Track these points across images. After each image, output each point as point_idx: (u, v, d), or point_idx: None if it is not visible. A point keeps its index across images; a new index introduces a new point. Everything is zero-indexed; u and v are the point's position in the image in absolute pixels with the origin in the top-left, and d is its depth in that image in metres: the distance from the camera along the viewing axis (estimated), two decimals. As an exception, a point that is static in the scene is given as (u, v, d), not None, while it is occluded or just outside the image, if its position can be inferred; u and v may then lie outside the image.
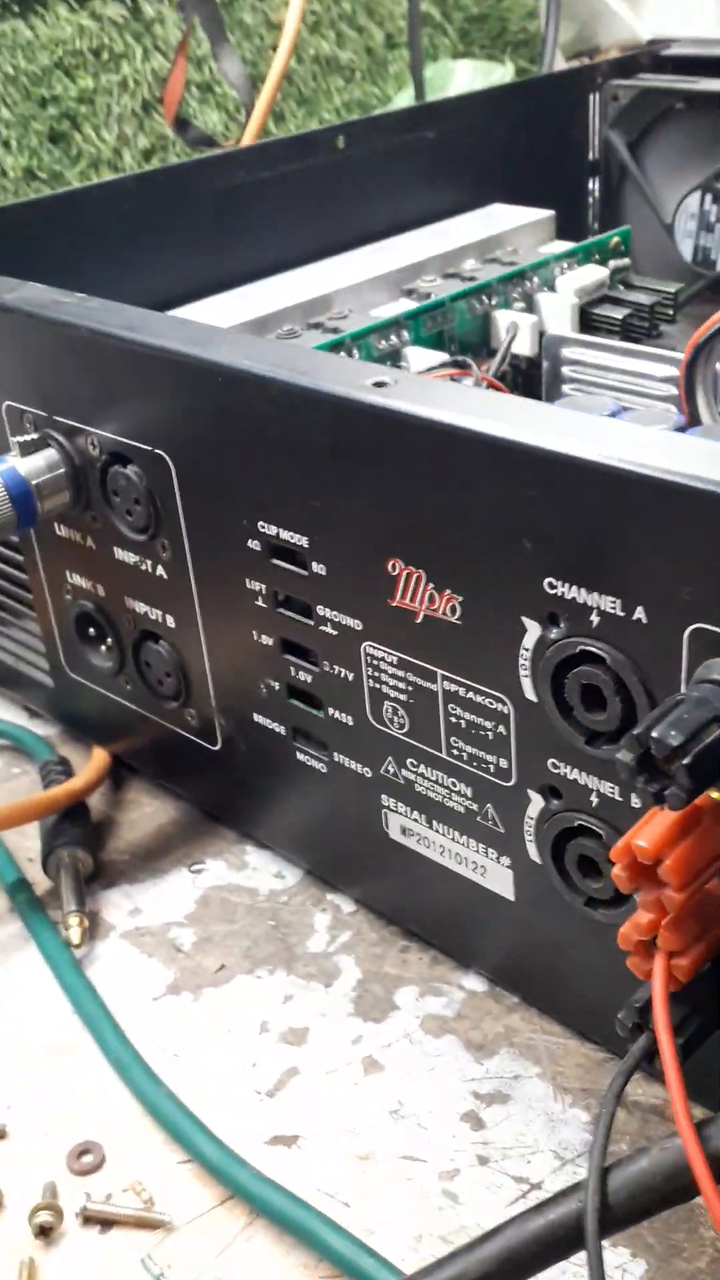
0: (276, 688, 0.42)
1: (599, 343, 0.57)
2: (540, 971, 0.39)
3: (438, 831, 0.39)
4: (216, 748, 0.46)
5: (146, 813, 0.51)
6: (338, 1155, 0.37)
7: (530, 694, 0.34)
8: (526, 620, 0.33)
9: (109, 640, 0.48)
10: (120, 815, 0.51)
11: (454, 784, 0.38)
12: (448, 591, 0.35)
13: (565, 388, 0.57)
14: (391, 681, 0.38)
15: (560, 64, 0.93)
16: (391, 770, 0.40)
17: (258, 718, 0.44)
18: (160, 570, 0.44)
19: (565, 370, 0.57)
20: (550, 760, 0.34)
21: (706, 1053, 0.29)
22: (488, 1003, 0.41)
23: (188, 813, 0.51)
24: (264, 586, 0.40)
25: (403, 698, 0.38)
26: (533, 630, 0.33)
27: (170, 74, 0.83)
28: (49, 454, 0.44)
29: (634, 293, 0.62)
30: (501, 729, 0.35)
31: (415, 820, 0.40)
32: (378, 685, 0.38)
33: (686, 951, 0.28)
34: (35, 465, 0.44)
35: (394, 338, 0.56)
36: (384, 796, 0.40)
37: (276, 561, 0.39)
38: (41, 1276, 0.34)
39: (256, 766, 0.45)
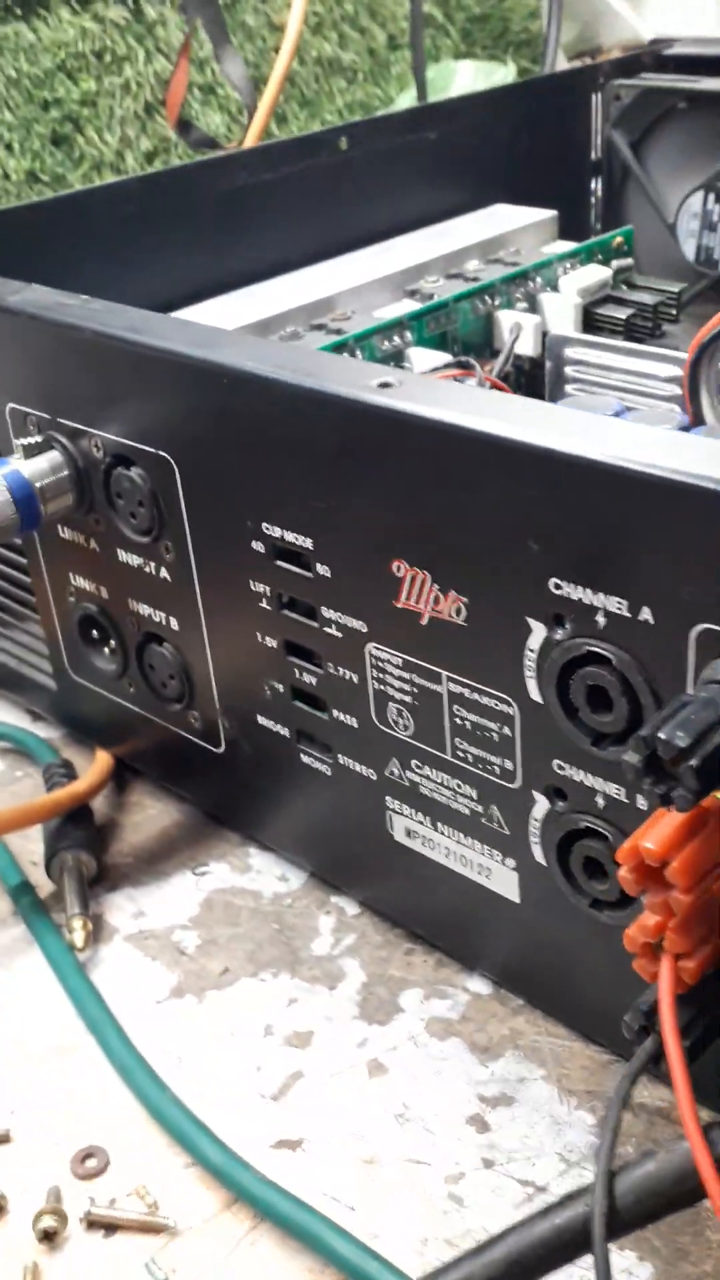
0: (280, 690, 0.42)
1: (602, 343, 0.57)
2: (545, 974, 0.39)
3: (442, 833, 0.39)
4: (220, 750, 0.46)
5: (150, 815, 0.51)
6: (343, 1159, 0.37)
7: (535, 695, 0.34)
8: (532, 621, 0.33)
9: (112, 643, 0.48)
10: (123, 818, 0.51)
11: (459, 786, 0.38)
12: (453, 593, 0.34)
13: (568, 388, 0.57)
14: (396, 683, 0.38)
15: (562, 64, 0.93)
16: (396, 772, 0.39)
17: (261, 720, 0.44)
18: (164, 572, 0.44)
19: (568, 370, 0.57)
20: (555, 762, 0.34)
21: (713, 1055, 0.29)
22: (493, 1005, 0.41)
23: (191, 815, 0.51)
24: (268, 588, 0.40)
25: (407, 699, 0.38)
26: (538, 631, 0.33)
27: (173, 76, 0.83)
28: (52, 456, 0.44)
29: (637, 293, 0.62)
30: (507, 730, 0.35)
31: (420, 822, 0.40)
32: (382, 687, 0.38)
33: (693, 954, 0.28)
34: (39, 467, 0.43)
35: (397, 339, 0.56)
36: (388, 798, 0.40)
37: (280, 563, 0.39)
38: (46, 1281, 0.34)
39: (260, 769, 0.45)
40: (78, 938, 0.43)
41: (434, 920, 0.42)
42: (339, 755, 0.41)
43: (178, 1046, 0.41)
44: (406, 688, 0.37)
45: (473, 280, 0.60)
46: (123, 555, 0.45)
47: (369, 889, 0.44)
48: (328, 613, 0.39)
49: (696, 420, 0.51)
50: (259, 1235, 0.35)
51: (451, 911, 0.41)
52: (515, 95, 0.74)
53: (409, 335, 0.56)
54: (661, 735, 0.26)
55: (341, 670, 0.39)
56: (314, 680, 0.41)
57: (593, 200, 0.77)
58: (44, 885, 0.47)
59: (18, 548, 0.51)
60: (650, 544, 0.29)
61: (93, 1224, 0.35)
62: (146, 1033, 0.41)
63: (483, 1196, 0.35)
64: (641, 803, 0.32)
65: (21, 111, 0.91)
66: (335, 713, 0.40)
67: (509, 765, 0.36)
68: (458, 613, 0.35)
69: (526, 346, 0.59)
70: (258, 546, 0.40)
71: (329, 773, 0.42)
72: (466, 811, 0.38)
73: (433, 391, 0.34)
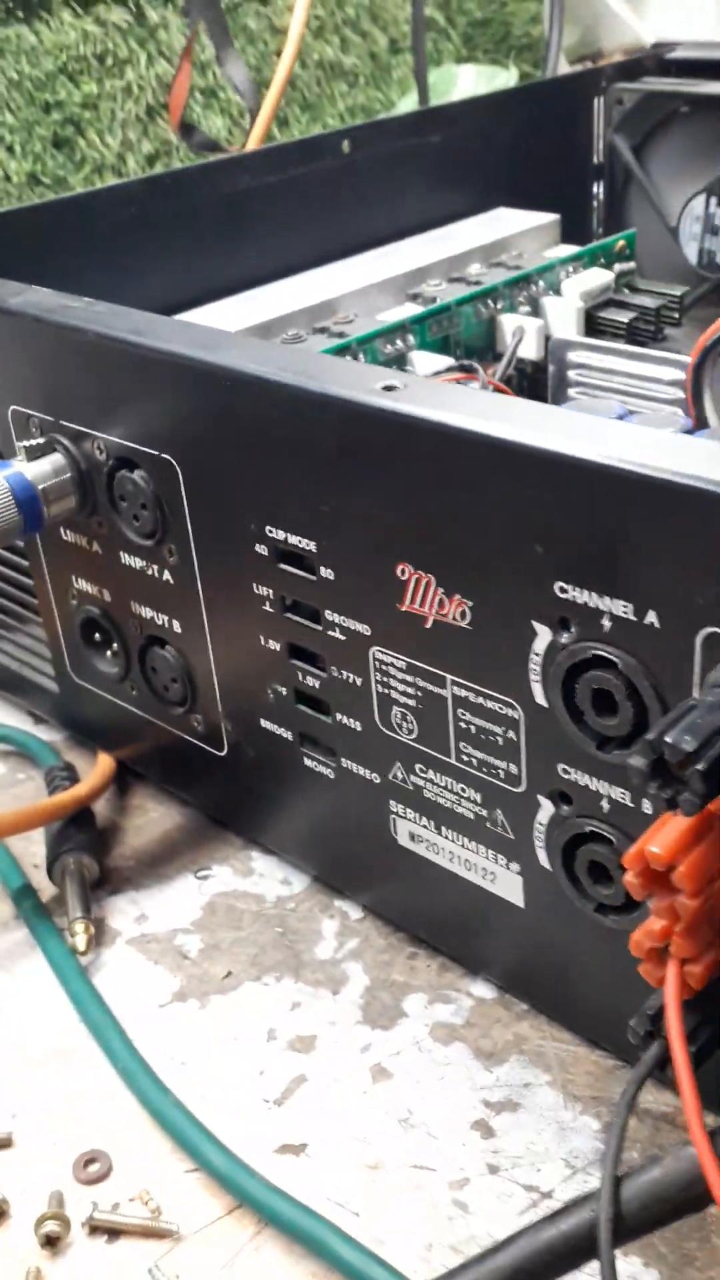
0: (284, 693, 0.42)
1: (605, 346, 0.57)
2: (550, 978, 0.39)
3: (446, 837, 0.39)
4: (223, 753, 0.46)
5: (152, 819, 0.51)
6: (347, 1164, 0.37)
7: (541, 699, 0.33)
8: (537, 625, 0.32)
9: (115, 645, 0.48)
10: (126, 821, 0.51)
11: (463, 790, 0.38)
12: (457, 596, 0.34)
13: (571, 391, 0.57)
14: (400, 687, 0.38)
15: (564, 68, 0.93)
16: (400, 776, 0.39)
17: (265, 723, 0.43)
18: (167, 575, 0.44)
19: (571, 374, 0.57)
20: (561, 766, 0.34)
21: (719, 1061, 0.29)
22: (497, 1010, 0.41)
23: (194, 819, 0.50)
24: (271, 591, 0.40)
25: (411, 703, 0.38)
26: (543, 635, 0.32)
27: (175, 79, 0.83)
28: (55, 459, 0.44)
29: (639, 296, 0.62)
30: (511, 734, 0.35)
31: (424, 826, 0.40)
32: (386, 690, 0.38)
33: (700, 958, 0.28)
34: (41, 470, 0.43)
35: (400, 342, 0.56)
36: (392, 802, 0.40)
37: (284, 566, 0.39)
38: (49, 1286, 0.34)
39: (263, 772, 0.45)
40: (80, 941, 0.43)
41: (438, 925, 0.42)
42: (342, 759, 0.41)
43: (180, 1051, 0.40)
44: (410, 691, 0.37)
45: (475, 284, 0.60)
46: (125, 558, 0.45)
47: (372, 893, 0.44)
48: (331, 616, 0.39)
49: (700, 423, 0.51)
50: (263, 1241, 0.35)
51: (455, 916, 0.41)
52: (517, 99, 0.74)
53: (411, 339, 0.56)
54: (668, 739, 0.26)
55: (345, 673, 0.39)
56: (317, 683, 0.40)
57: (595, 204, 0.77)
58: (46, 888, 0.47)
59: (20, 550, 0.50)
60: (655, 547, 0.29)
61: (95, 1229, 0.35)
62: (149, 1037, 0.41)
63: (488, 1202, 0.35)
64: (647, 807, 0.32)
65: (23, 114, 0.91)
66: (338, 716, 0.40)
67: (514, 769, 0.35)
68: (462, 616, 0.34)
69: (529, 350, 0.59)
70: (261, 549, 0.39)
71: (332, 776, 0.42)
72: (471, 815, 0.38)
73: (437, 394, 0.33)
